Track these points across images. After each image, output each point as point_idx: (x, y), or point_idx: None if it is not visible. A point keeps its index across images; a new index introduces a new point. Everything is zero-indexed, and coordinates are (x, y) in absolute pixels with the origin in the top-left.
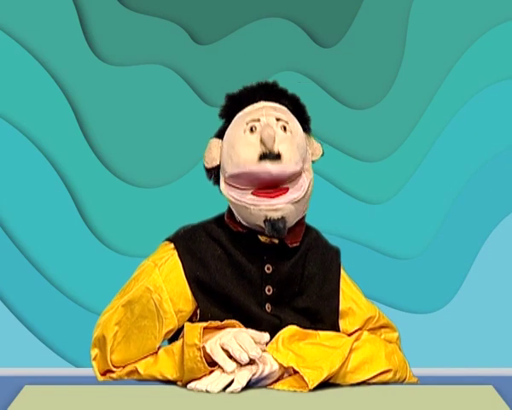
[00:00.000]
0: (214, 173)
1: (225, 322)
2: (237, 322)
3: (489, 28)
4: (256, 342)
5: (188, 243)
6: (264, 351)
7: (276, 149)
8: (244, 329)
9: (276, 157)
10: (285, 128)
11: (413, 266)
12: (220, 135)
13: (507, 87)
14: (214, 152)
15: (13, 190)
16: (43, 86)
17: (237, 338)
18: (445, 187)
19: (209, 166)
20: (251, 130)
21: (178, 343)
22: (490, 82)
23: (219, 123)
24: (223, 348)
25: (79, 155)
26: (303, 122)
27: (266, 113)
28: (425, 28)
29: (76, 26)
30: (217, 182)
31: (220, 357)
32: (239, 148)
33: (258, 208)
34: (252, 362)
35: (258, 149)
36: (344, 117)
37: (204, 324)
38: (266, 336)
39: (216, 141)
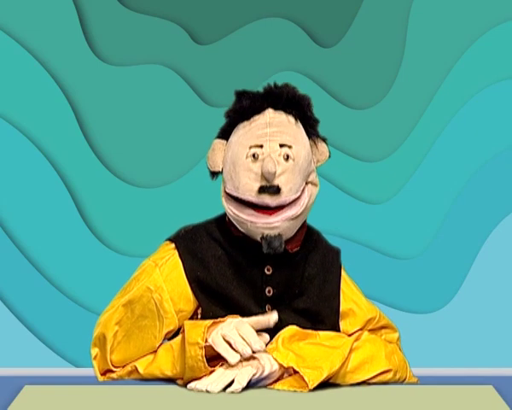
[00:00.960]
0: (217, 176)
1: (228, 317)
2: (239, 317)
3: (489, 28)
4: (258, 335)
5: (188, 243)
6: (264, 351)
7: (276, 183)
8: (246, 319)
9: (276, 191)
10: (288, 156)
11: (413, 266)
12: (224, 135)
13: (507, 87)
14: (218, 156)
15: (13, 190)
16: (43, 86)
17: (240, 330)
18: (445, 187)
19: (212, 169)
20: (253, 157)
21: (178, 339)
22: (490, 82)
23: (219, 123)
24: (225, 340)
25: (79, 155)
26: (309, 128)
27: (270, 137)
28: (425, 28)
29: (76, 26)
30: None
31: (222, 348)
32: (240, 172)
33: (255, 226)
34: (253, 358)
35: (258, 180)
36: (344, 117)
37: (208, 322)
38: (274, 315)
39: (219, 143)
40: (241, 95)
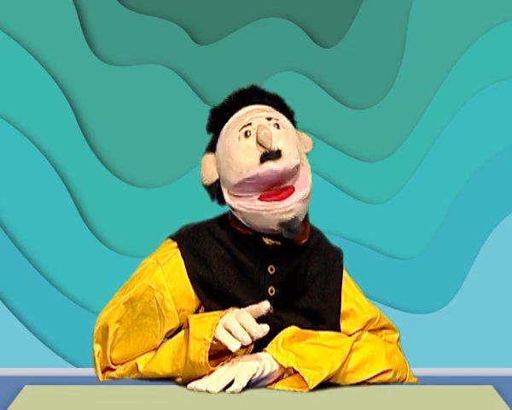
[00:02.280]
0: (215, 188)
1: (230, 309)
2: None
3: (489, 28)
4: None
5: (191, 242)
6: (264, 351)
7: (276, 146)
8: (243, 309)
9: (277, 155)
10: (278, 125)
11: (413, 266)
12: (211, 149)
13: (507, 87)
14: (211, 168)
15: (13, 190)
16: (43, 86)
17: (239, 318)
18: (445, 187)
19: (209, 182)
20: (245, 135)
21: (179, 335)
22: (490, 82)
23: None
24: (225, 328)
25: (79, 155)
26: (288, 117)
27: (255, 115)
28: (425, 28)
29: (76, 26)
30: (218, 197)
31: (223, 336)
32: (238, 155)
33: (271, 213)
34: (254, 358)
35: (257, 152)
36: (344, 117)
37: (214, 318)
38: (266, 303)
39: (209, 156)
40: (213, 108)
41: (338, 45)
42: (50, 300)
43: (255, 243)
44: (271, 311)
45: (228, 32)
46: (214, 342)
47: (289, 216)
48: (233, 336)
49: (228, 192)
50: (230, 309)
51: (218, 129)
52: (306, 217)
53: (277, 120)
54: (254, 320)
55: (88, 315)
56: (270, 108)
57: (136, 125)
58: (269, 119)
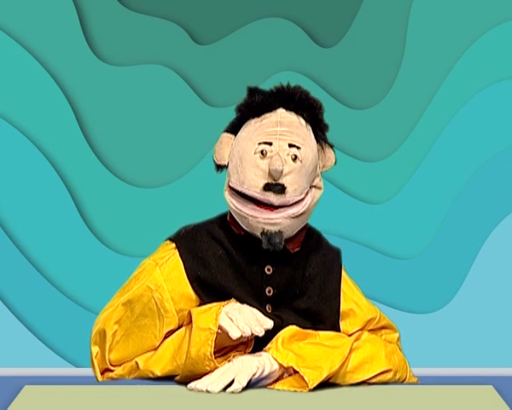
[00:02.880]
0: (221, 169)
1: (232, 300)
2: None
3: (489, 28)
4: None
5: (189, 242)
6: (264, 351)
7: (282, 182)
8: (249, 307)
9: (281, 190)
10: (295, 157)
11: (413, 266)
12: (232, 129)
13: (507, 87)
14: (225, 149)
15: (13, 190)
16: (43, 86)
17: (241, 312)
18: (445, 187)
19: (218, 162)
20: (261, 153)
21: (180, 332)
22: (490, 82)
23: (219, 123)
24: (227, 316)
25: (79, 155)
26: (318, 132)
27: (280, 136)
28: (425, 28)
29: (76, 26)
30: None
31: (225, 322)
32: (247, 167)
33: (256, 220)
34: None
35: (263, 177)
36: (344, 117)
37: (216, 307)
38: (270, 323)
39: (227, 137)
40: (253, 91)
41: (338, 45)
42: (50, 300)
43: (252, 244)
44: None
45: (228, 32)
46: (219, 331)
47: (273, 228)
48: (234, 324)
49: (228, 183)
50: (232, 300)
51: (248, 115)
52: (304, 226)
53: (299, 148)
54: (256, 319)
55: (88, 315)
56: (301, 121)
57: (136, 125)
58: (291, 146)
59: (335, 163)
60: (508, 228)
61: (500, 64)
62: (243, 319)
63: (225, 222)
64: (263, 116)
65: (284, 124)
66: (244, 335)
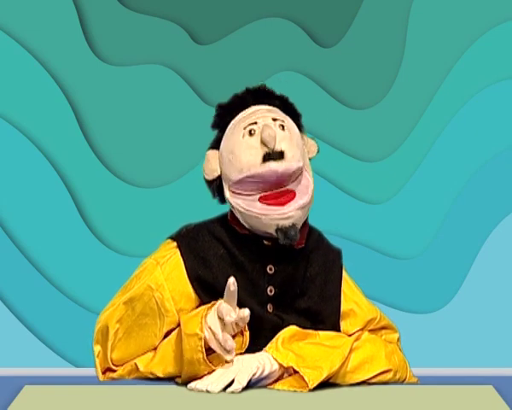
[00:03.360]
0: (216, 184)
1: (217, 303)
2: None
3: (489, 28)
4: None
5: (190, 241)
6: (264, 351)
7: (279, 147)
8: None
9: (280, 156)
10: (283, 127)
11: (413, 266)
12: (216, 145)
13: (507, 87)
14: (213, 163)
15: (13, 190)
16: (43, 86)
17: (219, 311)
18: (445, 187)
19: (210, 177)
20: (250, 133)
21: (175, 334)
22: (490, 82)
23: None
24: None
25: (79, 155)
26: (295, 120)
27: (261, 115)
28: (425, 28)
29: (76, 26)
30: (219, 193)
31: (215, 344)
32: (240, 153)
33: (269, 217)
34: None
35: (260, 151)
36: (344, 117)
37: (203, 311)
38: (230, 279)
39: (213, 152)
40: (219, 105)
41: (338, 45)
42: (50, 300)
43: (254, 243)
44: (234, 288)
45: (228, 32)
46: (206, 336)
47: (288, 222)
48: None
49: (228, 188)
50: (216, 302)
51: (224, 126)
52: (306, 221)
53: (283, 121)
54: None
55: (88, 315)
56: (277, 109)
57: (136, 125)
58: (275, 119)
59: (318, 151)
60: (508, 228)
61: (500, 64)
62: (219, 327)
63: (226, 221)
64: (238, 115)
65: (262, 109)
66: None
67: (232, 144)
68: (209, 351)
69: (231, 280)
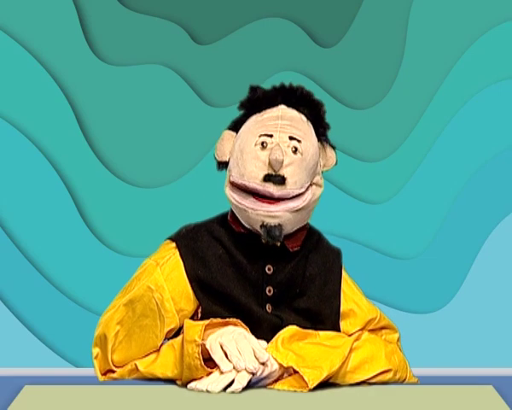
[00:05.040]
0: (223, 166)
1: (228, 320)
2: (239, 321)
3: (489, 28)
4: (256, 357)
5: (189, 242)
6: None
7: (282, 173)
8: (247, 335)
9: (281, 181)
10: (296, 149)
11: (413, 266)
12: (235, 127)
13: (507, 87)
14: (226, 146)
15: (13, 190)
16: (43, 86)
17: (238, 344)
18: (445, 187)
19: (219, 158)
20: (262, 145)
21: (179, 339)
22: (490, 82)
23: (220, 123)
24: (222, 348)
25: (79, 155)
26: (320, 130)
27: (281, 128)
28: (425, 28)
29: (76, 26)
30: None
31: (218, 356)
32: (247, 159)
33: (256, 213)
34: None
35: (264, 168)
36: (344, 117)
37: (206, 321)
38: (266, 356)
39: (229, 134)
40: (255, 87)
41: (338, 45)
42: (50, 300)
43: (253, 243)
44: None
45: (228, 32)
46: (208, 347)
47: (273, 221)
48: (227, 358)
49: (229, 179)
50: (230, 322)
51: (250, 112)
52: (305, 225)
53: (299, 141)
54: (252, 350)
55: (88, 315)
56: (302, 120)
57: (136, 125)
58: (291, 138)
59: (336, 164)
60: (508, 228)
61: (500, 64)
62: (238, 351)
63: (226, 221)
64: (264, 111)
65: (285, 118)
66: (237, 369)
67: (244, 145)
68: (208, 360)
69: (266, 358)
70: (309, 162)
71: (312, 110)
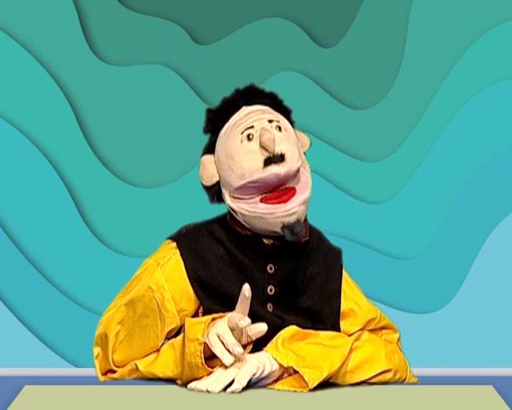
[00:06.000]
0: (215, 190)
1: (227, 314)
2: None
3: (489, 28)
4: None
5: (190, 242)
6: (264, 351)
7: (279, 150)
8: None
9: (281, 159)
10: (280, 128)
11: (413, 266)
12: (210, 150)
13: (507, 87)
14: (210, 168)
15: (13, 190)
16: (43, 86)
17: (233, 331)
18: (445, 187)
19: (209, 183)
20: (248, 138)
21: (179, 339)
22: (490, 82)
23: None
24: (219, 339)
25: (79, 155)
26: (286, 116)
27: (256, 117)
28: (425, 28)
29: (76, 26)
30: (218, 198)
31: (218, 349)
32: (240, 158)
33: (274, 216)
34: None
35: (261, 156)
36: (344, 117)
37: (208, 318)
38: (245, 286)
39: (208, 157)
40: (209, 109)
41: (338, 45)
42: (50, 300)
43: (254, 243)
44: (249, 295)
45: (228, 32)
46: (207, 341)
47: (292, 219)
48: (225, 347)
49: (229, 194)
50: (227, 314)
51: (217, 130)
52: (305, 217)
53: (279, 122)
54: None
55: (88, 315)
56: (269, 108)
57: (136, 125)
58: (270, 121)
59: (311, 144)
60: (508, 228)
61: (500, 64)
62: (233, 339)
63: (226, 222)
64: (231, 119)
65: (255, 110)
66: (237, 356)
67: (230, 150)
68: (209, 359)
69: (246, 287)
70: (293, 138)
71: (271, 100)
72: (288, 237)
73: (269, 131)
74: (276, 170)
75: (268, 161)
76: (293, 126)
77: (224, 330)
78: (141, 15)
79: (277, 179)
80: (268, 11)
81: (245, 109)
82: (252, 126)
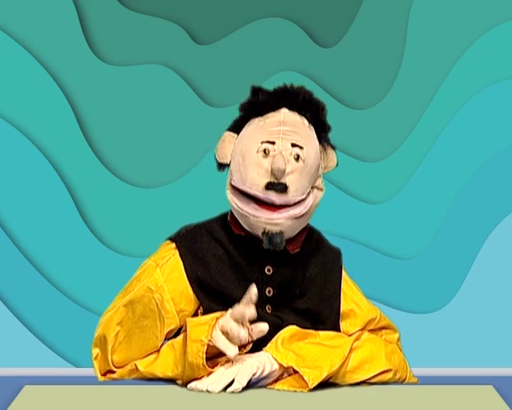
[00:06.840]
0: (224, 168)
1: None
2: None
3: (489, 28)
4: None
5: (189, 242)
6: (264, 351)
7: (284, 181)
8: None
9: (283, 189)
10: (298, 157)
11: (413, 266)
12: (235, 128)
13: (507, 87)
14: (227, 148)
15: (13, 190)
16: (43, 86)
17: (228, 322)
18: (445, 187)
19: (220, 161)
20: (264, 152)
21: (179, 339)
22: (490, 82)
23: (219, 123)
24: (222, 331)
25: (79, 155)
26: (321, 134)
27: (283, 135)
28: (425, 28)
29: (76, 26)
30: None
31: (222, 342)
32: (249, 166)
33: (258, 219)
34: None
35: (266, 176)
36: (344, 117)
37: (211, 320)
38: (253, 288)
39: (230, 136)
40: (257, 90)
41: (338, 45)
42: (50, 300)
43: (253, 244)
44: (255, 299)
45: (228, 32)
46: (211, 343)
47: (275, 229)
48: (230, 338)
49: (230, 182)
50: (229, 310)
51: (251, 115)
52: (306, 226)
53: (301, 149)
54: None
55: (88, 315)
56: (305, 122)
57: (136, 125)
58: (294, 145)
59: (337, 165)
60: (508, 228)
61: (500, 64)
62: (236, 327)
63: (226, 222)
64: (266, 115)
65: (287, 123)
66: (242, 341)
67: (246, 151)
68: (210, 360)
69: (254, 291)
70: (310, 168)
71: (314, 113)
72: (266, 245)
73: (283, 159)
74: (274, 198)
75: (269, 186)
76: (328, 144)
77: (226, 323)
78: (141, 15)
79: (272, 205)
80: (268, 11)
81: (283, 113)
82: (274, 142)
